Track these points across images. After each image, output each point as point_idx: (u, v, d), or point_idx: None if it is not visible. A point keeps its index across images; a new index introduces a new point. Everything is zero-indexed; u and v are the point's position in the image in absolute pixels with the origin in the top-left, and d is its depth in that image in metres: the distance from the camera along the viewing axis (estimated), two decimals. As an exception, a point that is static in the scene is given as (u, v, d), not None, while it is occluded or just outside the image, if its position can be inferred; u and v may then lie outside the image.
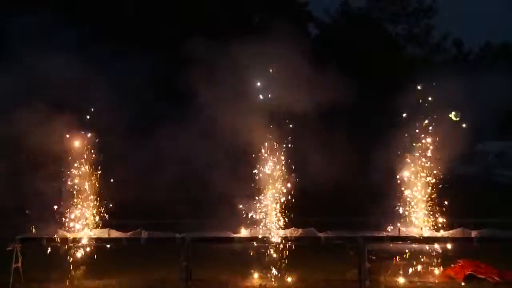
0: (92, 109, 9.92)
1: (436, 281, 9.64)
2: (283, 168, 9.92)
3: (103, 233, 9.74)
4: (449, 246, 9.66)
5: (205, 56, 11.30)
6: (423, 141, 9.94)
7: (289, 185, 9.89)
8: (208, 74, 10.91)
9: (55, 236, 9.56)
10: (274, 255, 9.73)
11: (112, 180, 10.19)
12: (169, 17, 26.71)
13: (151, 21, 26.18)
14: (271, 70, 9.81)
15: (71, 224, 9.87)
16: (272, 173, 9.91)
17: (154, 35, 24.45)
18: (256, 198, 9.85)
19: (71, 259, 9.82)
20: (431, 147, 9.93)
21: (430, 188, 9.94)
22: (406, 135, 9.92)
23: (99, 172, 10.07)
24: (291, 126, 9.85)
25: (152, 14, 26.84)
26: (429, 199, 9.93)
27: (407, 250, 9.79)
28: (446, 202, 9.81)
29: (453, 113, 10.12)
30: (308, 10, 38.25)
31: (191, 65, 11.45)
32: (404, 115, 9.91)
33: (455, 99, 9.95)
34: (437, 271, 9.84)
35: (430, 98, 9.84)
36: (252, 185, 9.84)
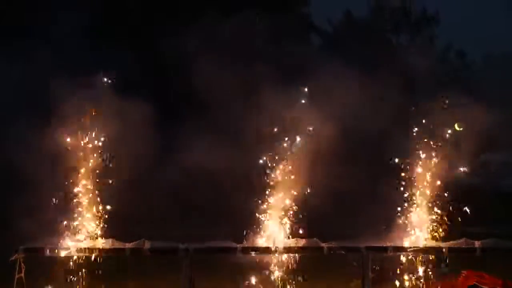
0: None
1: (440, 291, 9.63)
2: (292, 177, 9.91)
3: (106, 243, 9.75)
4: (452, 256, 9.64)
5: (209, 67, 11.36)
6: (428, 151, 9.94)
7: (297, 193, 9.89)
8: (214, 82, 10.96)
9: (58, 246, 9.56)
10: (278, 265, 9.73)
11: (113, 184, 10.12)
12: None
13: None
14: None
15: (75, 234, 9.86)
16: (281, 182, 9.92)
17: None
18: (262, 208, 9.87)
19: (74, 269, 9.80)
20: (435, 157, 9.92)
21: (434, 198, 9.93)
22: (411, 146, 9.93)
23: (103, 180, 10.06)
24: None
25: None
26: (433, 209, 9.92)
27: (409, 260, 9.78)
28: (450, 212, 9.80)
29: (457, 123, 10.10)
30: (311, 20, 38.31)
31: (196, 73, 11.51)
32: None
33: (458, 109, 9.94)
34: (440, 281, 9.80)
35: (434, 109, 9.86)
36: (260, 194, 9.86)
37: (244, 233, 9.75)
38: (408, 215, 9.93)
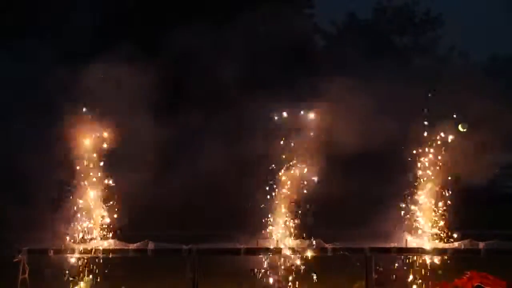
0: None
1: (444, 293, 9.60)
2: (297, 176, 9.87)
3: (110, 244, 9.73)
4: (456, 257, 9.62)
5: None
6: (432, 152, 9.91)
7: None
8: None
9: (62, 247, 9.55)
10: (281, 267, 9.70)
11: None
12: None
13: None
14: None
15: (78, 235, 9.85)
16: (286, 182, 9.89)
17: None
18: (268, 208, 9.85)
19: (78, 270, 9.79)
20: (439, 159, 9.90)
21: (437, 199, 9.90)
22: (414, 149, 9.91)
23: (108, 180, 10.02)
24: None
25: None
26: (436, 210, 9.90)
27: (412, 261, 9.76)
28: (454, 214, 9.77)
29: (461, 124, 10.09)
30: (314, 21, 38.39)
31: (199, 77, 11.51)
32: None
33: (462, 110, 9.93)
34: (444, 282, 9.78)
35: (437, 110, 9.84)
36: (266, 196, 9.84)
37: (248, 234, 9.74)
38: (412, 216, 9.92)
